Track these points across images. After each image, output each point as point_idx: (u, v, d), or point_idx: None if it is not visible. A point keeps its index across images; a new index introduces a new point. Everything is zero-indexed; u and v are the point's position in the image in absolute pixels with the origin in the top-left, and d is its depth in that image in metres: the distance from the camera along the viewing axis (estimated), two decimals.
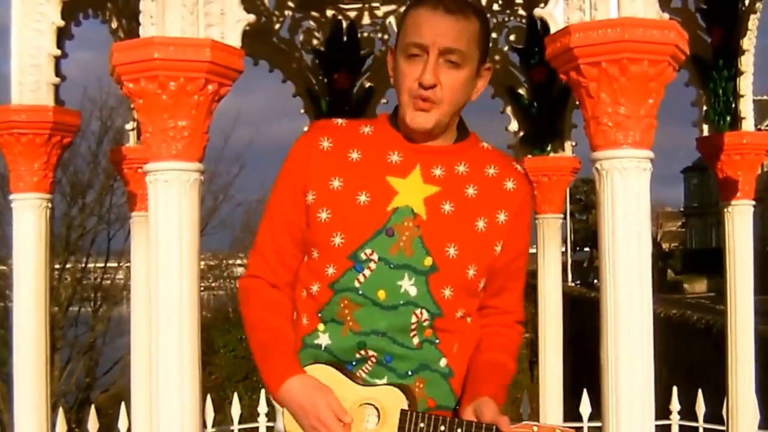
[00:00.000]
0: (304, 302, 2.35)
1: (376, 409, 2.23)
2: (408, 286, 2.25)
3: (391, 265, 2.24)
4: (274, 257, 2.36)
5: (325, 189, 2.27)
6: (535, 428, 2.12)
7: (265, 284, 2.36)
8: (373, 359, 2.26)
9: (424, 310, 2.26)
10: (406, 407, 2.21)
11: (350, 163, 2.29)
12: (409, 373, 2.28)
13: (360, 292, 2.25)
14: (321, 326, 2.32)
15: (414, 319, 2.26)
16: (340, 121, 2.39)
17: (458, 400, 2.33)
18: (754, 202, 4.38)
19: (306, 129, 2.44)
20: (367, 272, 2.25)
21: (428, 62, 2.20)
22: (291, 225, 2.33)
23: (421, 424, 2.19)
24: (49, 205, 3.68)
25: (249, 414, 6.79)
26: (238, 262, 30.23)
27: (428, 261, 2.24)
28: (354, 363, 2.27)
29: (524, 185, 2.38)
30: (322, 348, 2.31)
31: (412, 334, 2.27)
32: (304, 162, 2.32)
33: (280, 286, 2.36)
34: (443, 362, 2.31)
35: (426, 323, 2.27)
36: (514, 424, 2.12)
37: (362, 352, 2.26)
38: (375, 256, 2.24)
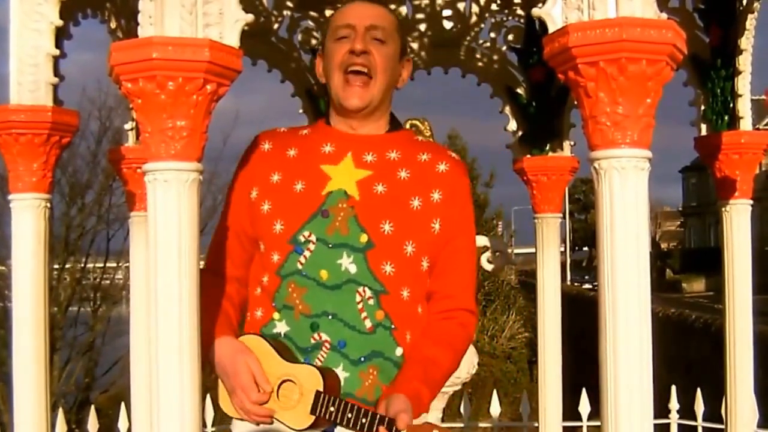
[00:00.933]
0: (258, 297, 2.43)
1: (291, 382, 2.28)
2: (348, 264, 2.33)
3: (329, 245, 2.34)
4: (222, 256, 2.45)
5: (266, 184, 2.42)
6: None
7: (210, 276, 2.42)
8: (327, 344, 2.30)
9: (366, 288, 2.34)
10: (321, 389, 2.25)
11: (288, 159, 2.44)
12: (362, 359, 2.32)
13: (303, 273, 2.35)
14: (276, 315, 2.38)
15: (358, 297, 2.34)
16: (282, 128, 2.57)
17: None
18: (752, 202, 4.38)
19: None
20: (307, 254, 2.35)
21: (357, 34, 2.39)
22: (240, 227, 2.47)
23: (331, 408, 2.26)
24: (48, 205, 3.68)
25: None
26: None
27: (364, 238, 2.33)
28: (310, 349, 2.31)
29: (458, 167, 2.48)
30: (281, 336, 2.35)
31: (362, 315, 2.34)
32: (248, 165, 2.48)
33: (224, 276, 2.44)
34: (399, 351, 2.35)
35: (371, 302, 2.34)
36: (416, 423, 2.18)
37: (316, 336, 2.32)
38: (313, 237, 2.34)
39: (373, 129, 2.45)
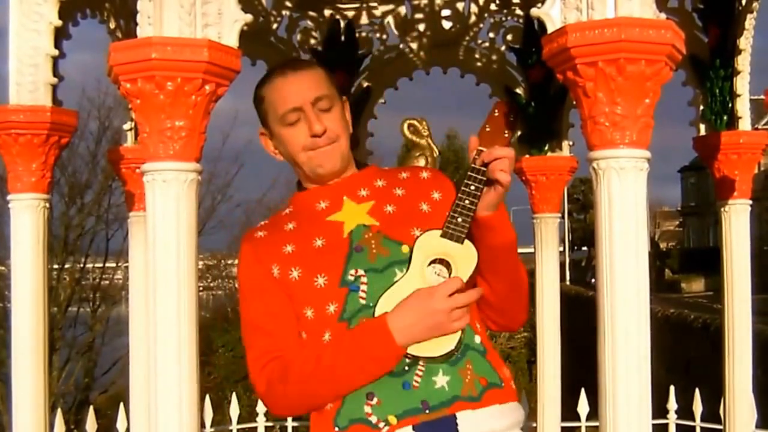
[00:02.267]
0: None
1: (434, 261, 2.28)
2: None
3: (380, 270, 2.31)
4: (273, 343, 2.37)
5: (282, 257, 2.36)
6: (487, 127, 2.32)
7: (277, 366, 2.34)
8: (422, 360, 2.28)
9: None
10: (440, 231, 2.28)
11: (291, 232, 2.41)
12: (459, 356, 2.30)
13: (370, 305, 2.28)
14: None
15: None
16: (262, 222, 2.52)
17: (501, 377, 2.35)
18: (751, 201, 4.38)
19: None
20: (363, 287, 2.30)
21: (308, 116, 2.36)
22: (276, 312, 2.38)
23: (459, 219, 2.27)
24: (47, 205, 3.68)
25: (248, 414, 6.79)
26: (237, 261, 30.15)
27: (405, 248, 2.33)
28: (407, 370, 2.27)
29: (436, 171, 2.58)
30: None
31: None
32: (252, 256, 2.41)
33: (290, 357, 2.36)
34: (477, 339, 2.35)
35: None
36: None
37: (407, 358, 2.27)
38: (361, 272, 2.31)
39: (347, 174, 2.48)
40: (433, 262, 2.28)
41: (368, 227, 2.37)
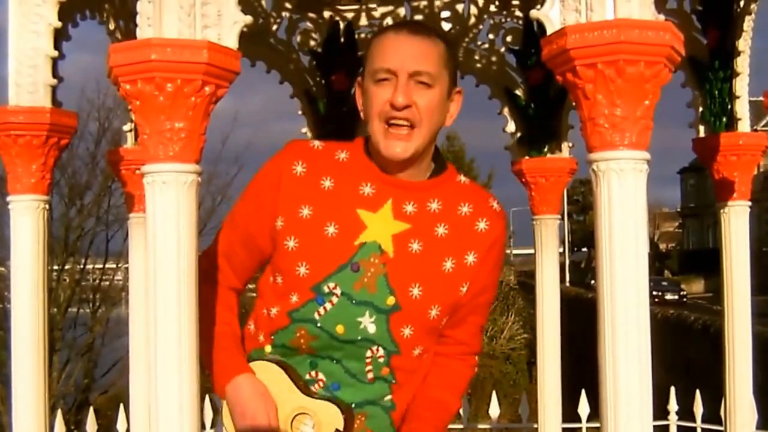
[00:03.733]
0: (263, 319, 2.34)
1: (312, 421, 2.24)
2: (368, 323, 2.23)
3: (353, 301, 2.21)
4: (225, 262, 2.37)
5: (294, 216, 2.24)
6: None
7: (212, 283, 2.35)
8: (321, 383, 2.24)
9: (380, 347, 2.25)
10: (342, 428, 2.20)
11: (322, 192, 2.25)
12: (353, 405, 2.26)
13: (318, 324, 2.23)
14: (268, 348, 2.31)
15: (369, 353, 2.25)
16: (316, 144, 2.36)
17: None
18: (750, 203, 4.38)
19: (283, 147, 2.37)
20: (328, 306, 2.22)
21: (399, 83, 2.17)
22: (249, 237, 2.33)
23: None
24: (47, 206, 3.68)
25: None
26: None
27: (391, 300, 2.21)
28: (299, 383, 2.27)
29: (497, 225, 2.34)
30: (269, 357, 2.31)
31: (367, 369, 2.26)
32: (275, 185, 2.29)
33: (228, 287, 2.36)
34: (388, 397, 2.29)
35: (381, 360, 2.26)
36: None
37: (312, 373, 2.24)
38: (338, 290, 2.21)
39: (415, 173, 2.27)
40: (308, 416, 2.25)
41: (381, 252, 2.21)
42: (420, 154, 2.25)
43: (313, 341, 2.25)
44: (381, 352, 2.25)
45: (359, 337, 2.23)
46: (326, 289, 2.22)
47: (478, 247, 2.29)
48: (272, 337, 2.30)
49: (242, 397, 2.25)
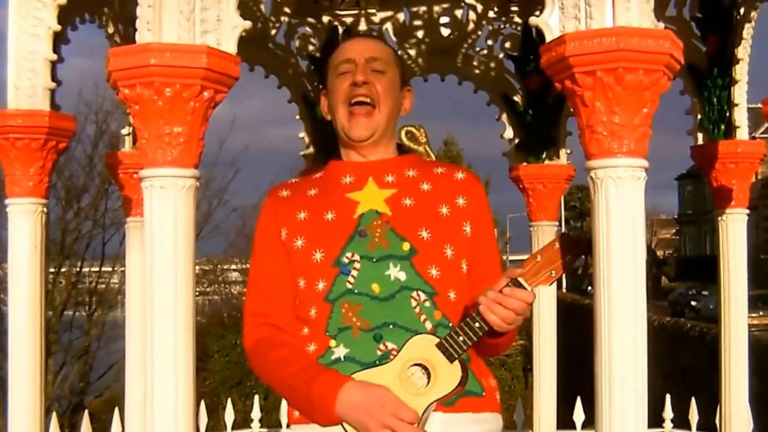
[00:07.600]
0: (306, 336, 2.40)
1: (417, 365, 2.26)
2: (396, 273, 2.36)
3: (374, 260, 2.36)
4: (268, 306, 2.44)
5: (294, 222, 2.43)
6: (539, 257, 2.24)
7: (267, 333, 2.41)
8: (394, 352, 2.30)
9: (420, 292, 2.36)
10: (437, 340, 2.25)
11: (310, 198, 2.48)
12: None
13: (355, 291, 2.36)
14: (332, 342, 2.37)
15: (413, 302, 2.36)
16: (293, 180, 2.60)
17: (482, 386, 2.36)
18: (748, 211, 4.39)
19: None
20: (354, 273, 2.36)
21: (358, 67, 2.46)
22: (276, 274, 2.44)
23: (459, 338, 2.25)
24: (45, 209, 3.68)
25: (242, 419, 6.79)
26: (233, 267, 30.28)
27: (406, 246, 2.37)
28: (377, 363, 2.29)
29: (474, 176, 2.55)
30: (342, 360, 2.33)
31: (422, 318, 2.35)
32: (270, 213, 2.49)
33: (283, 328, 2.42)
34: None
35: (427, 304, 2.36)
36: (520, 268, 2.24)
37: (381, 347, 2.32)
38: (357, 257, 2.37)
39: (383, 155, 2.51)
40: (418, 365, 2.25)
41: (380, 214, 2.41)
42: (382, 134, 2.48)
43: (360, 311, 2.34)
44: (423, 296, 2.36)
45: (396, 288, 2.35)
46: (346, 260, 2.36)
47: (464, 191, 2.48)
48: (327, 333, 2.36)
49: (360, 400, 2.27)
